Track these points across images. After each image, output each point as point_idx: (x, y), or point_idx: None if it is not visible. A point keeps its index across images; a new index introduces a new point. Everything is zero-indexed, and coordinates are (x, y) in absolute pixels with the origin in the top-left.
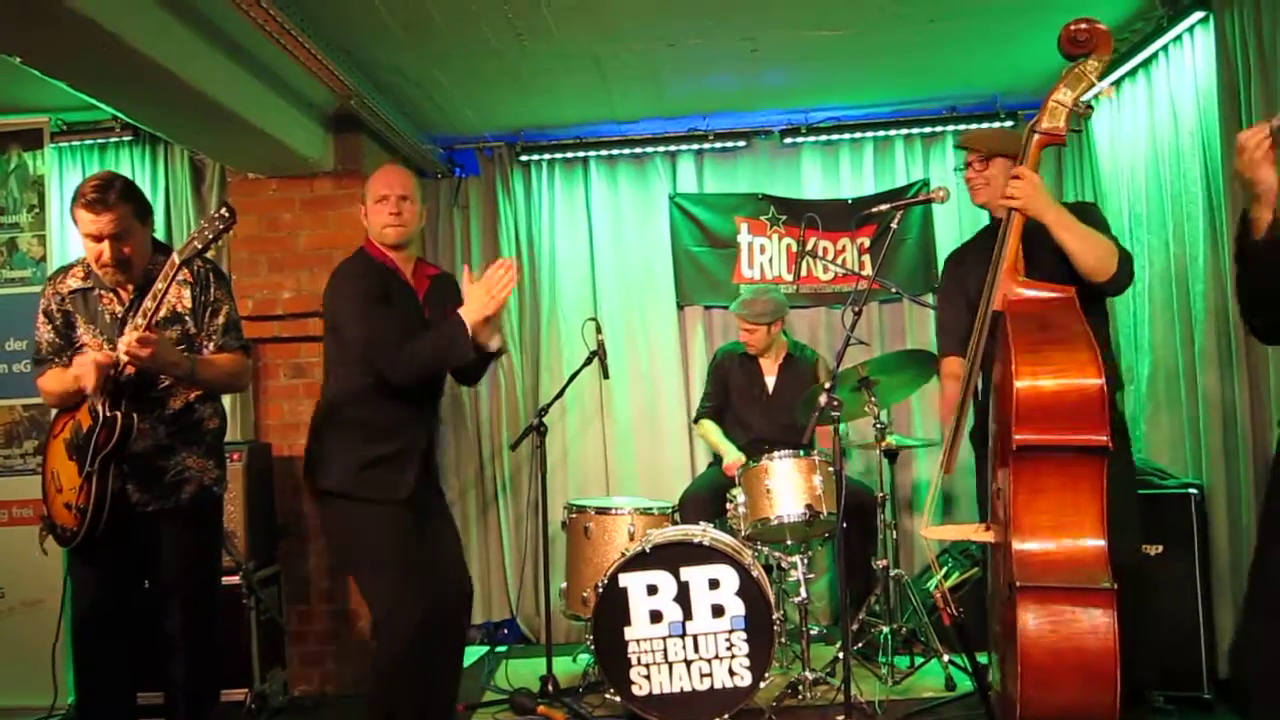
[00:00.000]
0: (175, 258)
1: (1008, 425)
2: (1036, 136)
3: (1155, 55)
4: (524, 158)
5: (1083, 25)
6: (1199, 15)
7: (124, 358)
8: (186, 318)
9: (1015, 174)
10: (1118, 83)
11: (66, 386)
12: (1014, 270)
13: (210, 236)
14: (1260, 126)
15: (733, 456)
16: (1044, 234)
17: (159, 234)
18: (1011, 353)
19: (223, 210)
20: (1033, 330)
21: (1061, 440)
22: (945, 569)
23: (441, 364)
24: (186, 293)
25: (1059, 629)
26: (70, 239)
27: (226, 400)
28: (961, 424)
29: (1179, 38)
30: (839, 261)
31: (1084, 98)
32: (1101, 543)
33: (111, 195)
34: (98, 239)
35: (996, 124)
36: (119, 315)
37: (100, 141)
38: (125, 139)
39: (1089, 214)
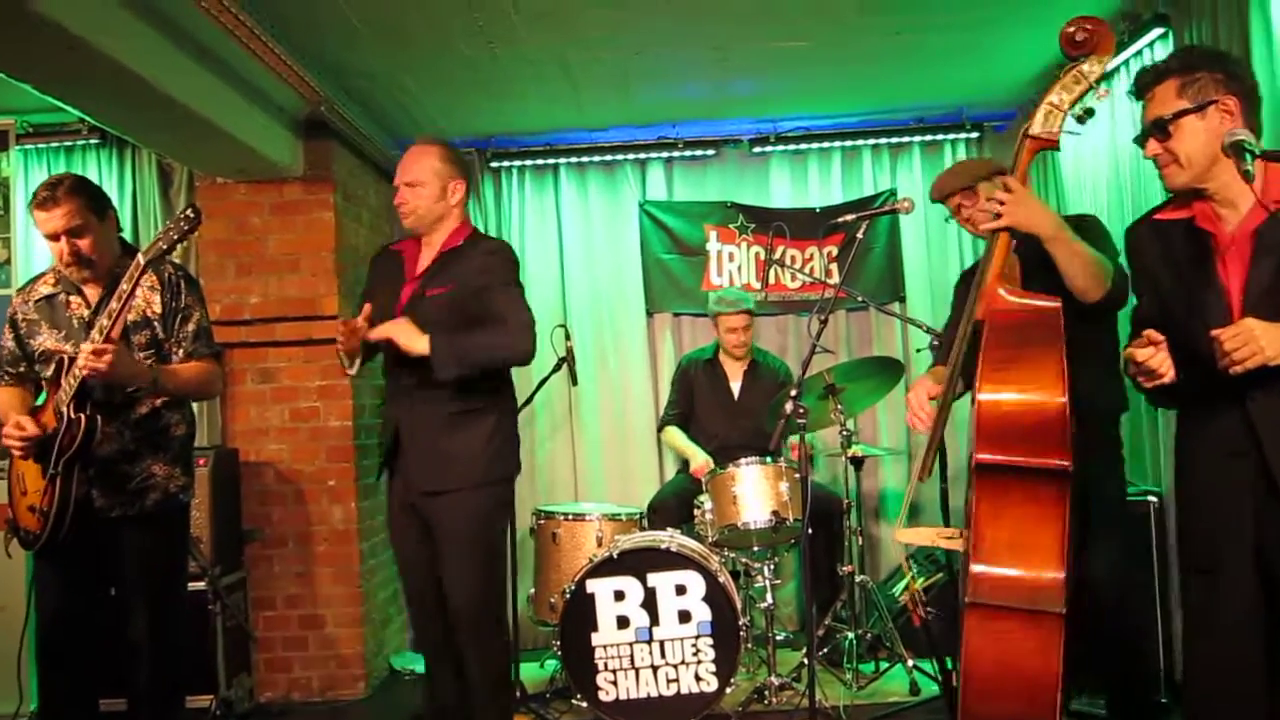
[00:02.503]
0: (140, 259)
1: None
2: (1028, 141)
3: (1116, 70)
4: (494, 164)
5: (1082, 25)
6: (1159, 31)
7: (81, 371)
8: (155, 323)
9: (1003, 183)
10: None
11: (2, 415)
12: (1000, 277)
13: (175, 238)
14: None
15: (700, 458)
16: (1031, 243)
17: (126, 237)
18: (980, 367)
19: (188, 212)
20: (1006, 344)
21: (1019, 461)
22: (913, 572)
23: None
24: (156, 298)
25: (1003, 647)
26: (35, 242)
27: (194, 406)
28: (938, 432)
29: (1139, 53)
30: (807, 270)
31: (1082, 101)
32: (1057, 570)
33: (60, 191)
34: (54, 237)
35: (963, 134)
36: (86, 318)
37: (67, 144)
38: (92, 142)
39: (1087, 229)
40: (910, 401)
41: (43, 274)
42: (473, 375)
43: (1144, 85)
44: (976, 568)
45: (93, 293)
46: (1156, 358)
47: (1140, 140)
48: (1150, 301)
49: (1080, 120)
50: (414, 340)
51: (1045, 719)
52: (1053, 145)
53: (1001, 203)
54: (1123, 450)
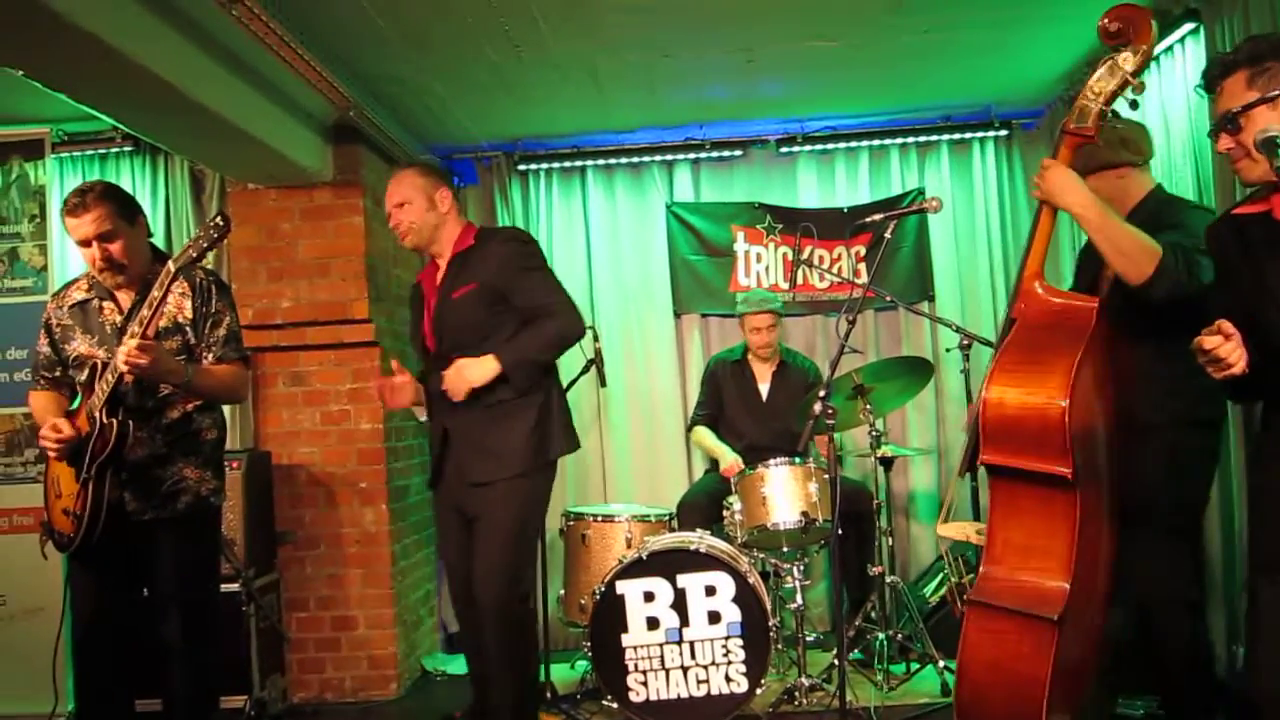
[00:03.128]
0: (171, 265)
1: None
2: (1066, 136)
3: (1146, 65)
4: (521, 167)
5: (1118, 13)
6: (1190, 26)
7: (123, 366)
8: (187, 328)
9: (1042, 164)
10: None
11: (40, 418)
12: (1035, 274)
13: (205, 245)
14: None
15: (730, 458)
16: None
17: (159, 244)
18: (994, 362)
19: (218, 219)
20: (1025, 346)
21: (1020, 465)
22: (941, 573)
23: None
24: (188, 304)
25: (997, 648)
26: (70, 249)
27: (226, 409)
28: (977, 428)
29: (1170, 48)
30: (834, 270)
31: (1122, 94)
32: (1061, 580)
33: (89, 198)
34: (85, 243)
35: (991, 133)
36: (118, 324)
37: (101, 152)
38: (125, 149)
39: (1169, 206)
40: None
41: (76, 280)
42: (541, 369)
43: (1212, 79)
44: (985, 567)
45: (125, 298)
46: (1225, 346)
47: (1212, 135)
48: (1227, 297)
49: (1133, 106)
50: (483, 372)
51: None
52: (1090, 139)
53: (1039, 179)
54: (1207, 458)
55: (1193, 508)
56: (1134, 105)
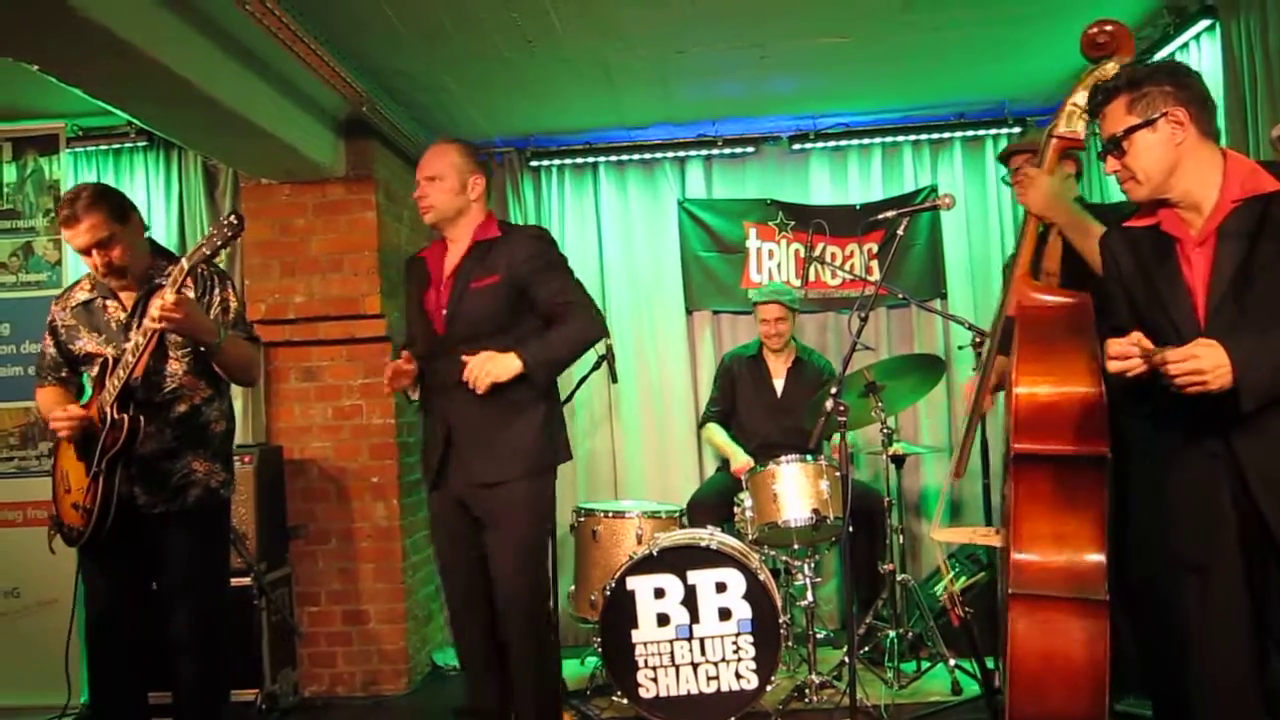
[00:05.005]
0: (184, 264)
1: (1009, 433)
2: (1053, 141)
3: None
4: (534, 163)
5: (1104, 27)
6: (1205, 23)
7: (156, 324)
8: None
9: (1026, 173)
10: None
11: (46, 412)
12: (1027, 275)
13: (219, 244)
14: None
15: (741, 458)
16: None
17: (172, 238)
18: (1014, 361)
19: (231, 218)
20: (1038, 338)
21: (1058, 450)
22: (953, 573)
23: None
24: (191, 294)
25: (1050, 638)
26: None
27: (237, 403)
28: (972, 430)
29: (1185, 45)
30: (847, 267)
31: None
32: (1099, 556)
33: (79, 207)
34: (85, 252)
35: (1004, 130)
36: (123, 320)
37: (115, 147)
38: (140, 144)
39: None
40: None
41: (78, 281)
42: (562, 370)
43: (1096, 106)
44: (1019, 557)
45: (128, 297)
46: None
47: (1100, 157)
48: (1120, 306)
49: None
50: (507, 367)
51: (1095, 713)
52: (1078, 145)
53: (1022, 185)
54: None
55: None
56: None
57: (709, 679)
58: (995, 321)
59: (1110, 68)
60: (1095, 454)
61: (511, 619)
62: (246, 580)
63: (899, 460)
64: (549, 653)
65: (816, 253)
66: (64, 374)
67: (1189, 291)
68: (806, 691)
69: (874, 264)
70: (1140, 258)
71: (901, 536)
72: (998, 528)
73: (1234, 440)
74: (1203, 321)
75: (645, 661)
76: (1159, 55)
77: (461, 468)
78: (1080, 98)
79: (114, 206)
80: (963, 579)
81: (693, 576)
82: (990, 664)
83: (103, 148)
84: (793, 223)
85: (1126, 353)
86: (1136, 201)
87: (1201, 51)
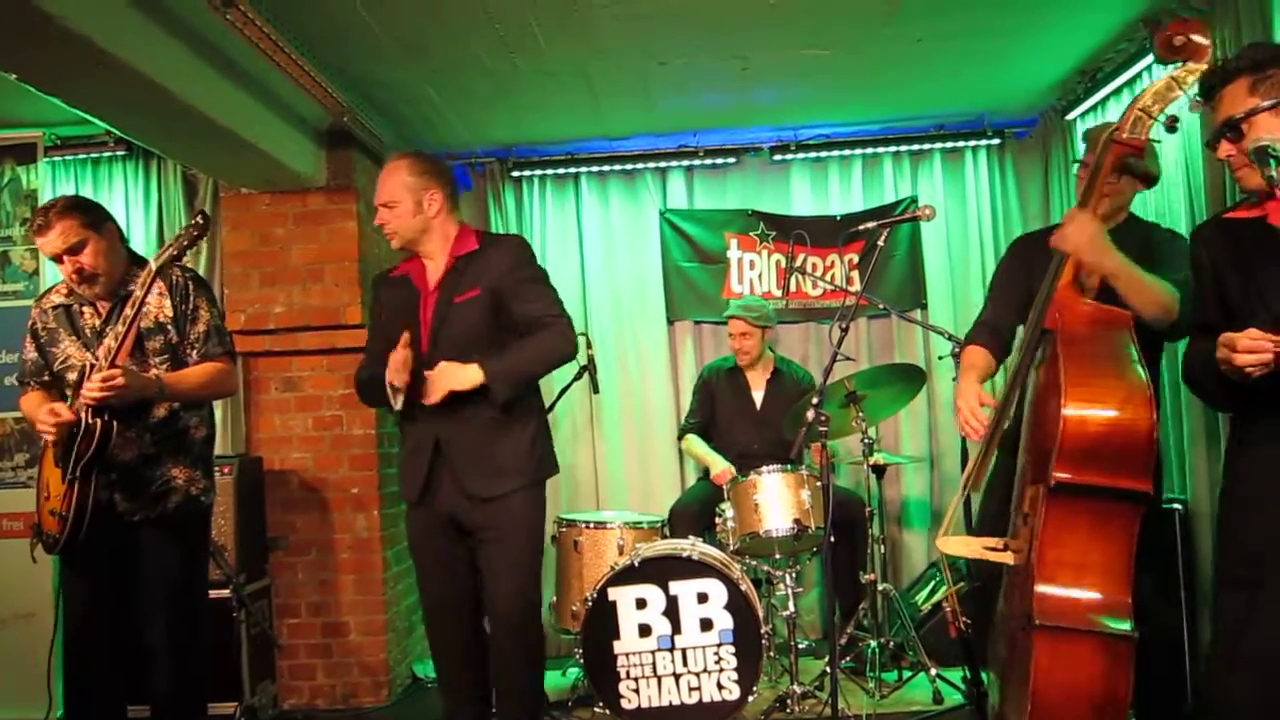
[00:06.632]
0: (152, 265)
1: (1047, 455)
2: (1115, 146)
3: (1139, 75)
4: (515, 173)
5: (1182, 29)
6: None
7: (92, 400)
8: (169, 327)
9: (1069, 217)
10: (1103, 102)
11: (32, 416)
12: (1072, 286)
13: (186, 244)
14: None
15: (721, 465)
16: (1119, 248)
17: (151, 248)
18: (1062, 379)
19: (198, 218)
20: (1086, 357)
21: (1102, 483)
22: (934, 582)
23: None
24: (167, 302)
25: (1073, 672)
26: None
27: (218, 414)
28: (994, 443)
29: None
30: (827, 277)
31: (1169, 110)
32: (1126, 592)
33: (52, 214)
34: (57, 259)
35: (983, 141)
36: (98, 328)
37: (94, 156)
38: (119, 154)
39: (1173, 246)
40: (961, 408)
41: (54, 286)
42: (529, 385)
43: (1212, 86)
44: (1044, 585)
45: (104, 306)
46: (1257, 356)
47: (1211, 143)
48: (1214, 304)
49: (1170, 129)
50: (465, 379)
51: None
52: (1138, 152)
53: (1069, 230)
54: (1161, 470)
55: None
56: (1172, 127)
57: (691, 689)
58: (1031, 328)
59: (1183, 73)
60: (1139, 490)
61: (504, 633)
62: (225, 592)
63: (879, 470)
64: (539, 667)
65: (797, 263)
66: (46, 378)
67: None
68: (788, 702)
69: (855, 274)
70: (1238, 249)
71: (883, 546)
72: (1006, 541)
73: None
74: None
75: (627, 672)
76: (1136, 68)
77: (454, 482)
78: (1149, 102)
79: (88, 213)
80: (943, 589)
81: (674, 587)
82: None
83: (81, 157)
84: (774, 233)
85: (1259, 346)
86: (1248, 190)
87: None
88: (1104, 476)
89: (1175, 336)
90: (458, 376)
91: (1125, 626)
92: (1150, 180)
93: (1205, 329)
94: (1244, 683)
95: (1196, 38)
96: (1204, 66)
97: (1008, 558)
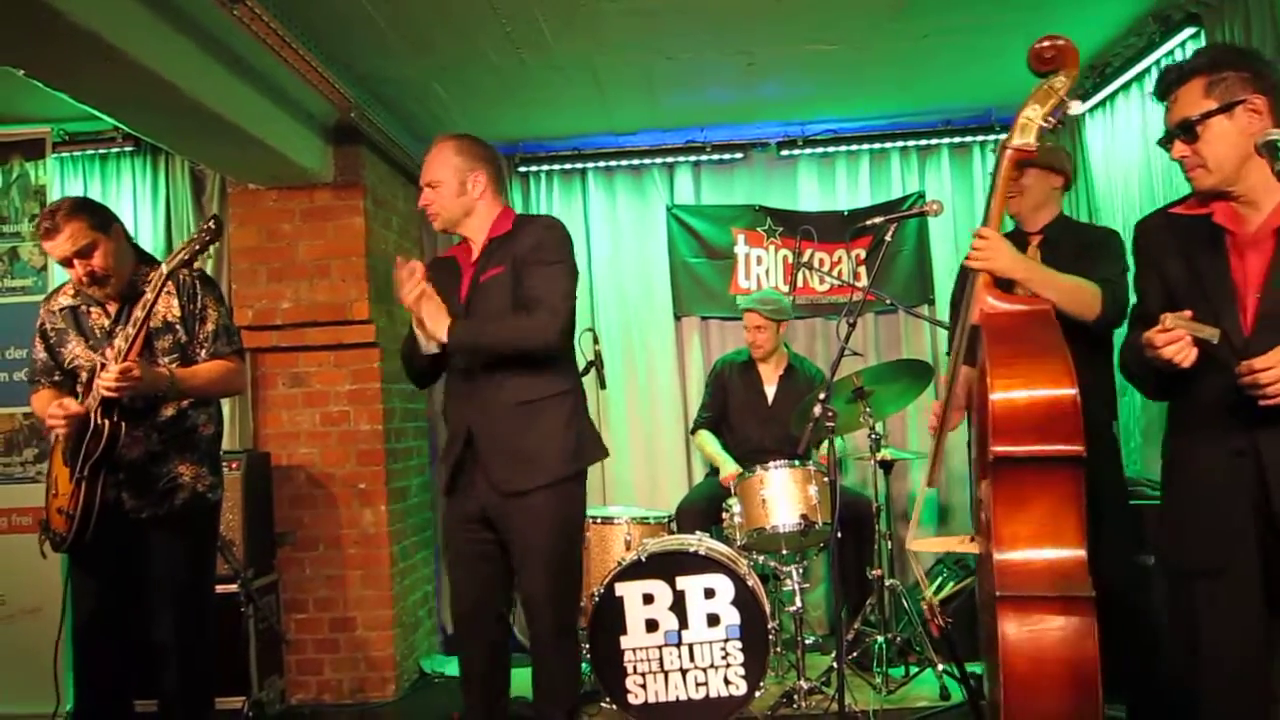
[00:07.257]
0: (163, 268)
1: (985, 438)
2: (1009, 153)
3: (1148, 69)
4: (522, 169)
5: (1051, 43)
6: (1190, 31)
7: (107, 393)
8: (178, 326)
9: (977, 234)
10: (1112, 97)
11: (42, 414)
12: (990, 283)
13: (197, 248)
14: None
15: (730, 468)
16: (1053, 250)
17: (159, 243)
18: (985, 366)
19: (209, 224)
20: (1007, 343)
21: (1036, 451)
22: (940, 579)
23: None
24: (174, 302)
25: (1039, 638)
26: None
27: (225, 409)
28: (943, 439)
29: (1171, 53)
30: (835, 273)
31: (1052, 114)
32: (1080, 551)
33: (59, 217)
34: (66, 262)
35: (991, 136)
36: (107, 328)
37: (101, 152)
38: (126, 149)
39: (1107, 244)
40: (934, 406)
41: (62, 286)
42: (489, 359)
43: (1168, 86)
44: (1002, 558)
45: (113, 306)
46: (1177, 347)
47: (1165, 143)
48: (1155, 296)
49: (1053, 130)
50: (441, 326)
51: (1089, 710)
52: (1031, 156)
53: (977, 249)
54: (1121, 453)
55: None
56: (1059, 126)
57: (698, 685)
58: (955, 337)
59: (1059, 81)
60: (1072, 453)
61: (543, 637)
62: (233, 587)
63: (887, 465)
64: (577, 673)
65: (804, 259)
66: (56, 377)
67: (1236, 289)
68: (795, 697)
69: (862, 270)
70: (1187, 248)
71: (890, 542)
72: (973, 535)
73: (1260, 439)
74: (1251, 322)
75: (634, 667)
76: (1145, 62)
77: (485, 476)
78: (1032, 110)
79: (95, 215)
80: (950, 584)
81: (681, 582)
82: (978, 668)
83: (89, 153)
84: (781, 229)
85: (1174, 337)
86: (1200, 191)
87: (1187, 58)
88: (1037, 443)
89: (1103, 328)
90: (438, 318)
91: (1084, 588)
92: (1066, 179)
93: (1144, 320)
94: (1206, 670)
95: (1065, 50)
96: (1075, 73)
97: (973, 547)
